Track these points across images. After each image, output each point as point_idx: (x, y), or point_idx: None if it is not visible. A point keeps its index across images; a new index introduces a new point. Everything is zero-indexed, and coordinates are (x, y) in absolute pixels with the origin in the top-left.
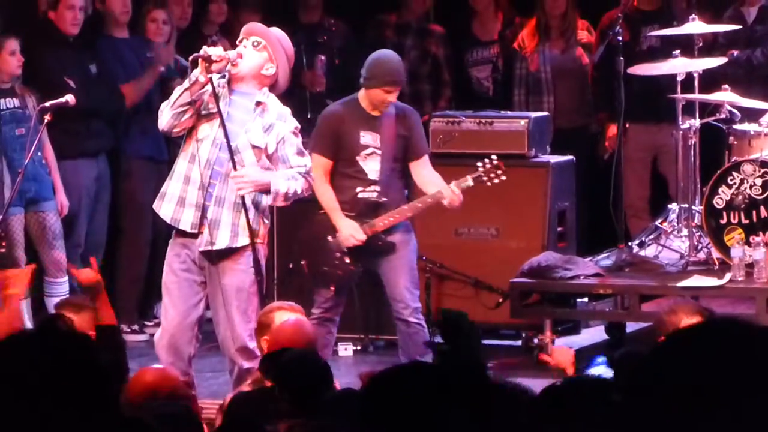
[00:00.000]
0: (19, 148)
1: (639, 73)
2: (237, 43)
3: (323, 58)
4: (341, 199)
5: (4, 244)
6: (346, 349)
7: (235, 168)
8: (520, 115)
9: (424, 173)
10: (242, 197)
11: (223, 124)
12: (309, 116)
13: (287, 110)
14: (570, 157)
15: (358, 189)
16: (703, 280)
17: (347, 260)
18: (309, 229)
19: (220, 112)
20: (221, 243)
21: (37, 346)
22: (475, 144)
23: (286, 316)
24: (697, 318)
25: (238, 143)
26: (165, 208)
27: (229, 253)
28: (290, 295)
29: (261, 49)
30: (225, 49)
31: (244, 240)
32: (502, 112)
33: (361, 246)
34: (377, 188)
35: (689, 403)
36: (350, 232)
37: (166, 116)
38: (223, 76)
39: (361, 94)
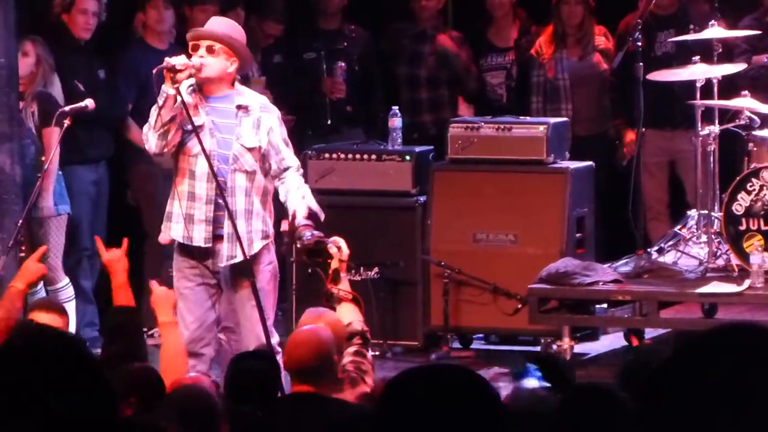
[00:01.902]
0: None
1: (658, 79)
2: (190, 52)
3: (343, 64)
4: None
5: (24, 248)
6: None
7: (215, 177)
8: (539, 121)
9: None
10: (251, 205)
11: (197, 134)
12: (329, 122)
13: (266, 99)
14: (589, 163)
15: None
16: (722, 287)
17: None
18: None
19: (192, 122)
20: (240, 255)
21: (31, 354)
22: (494, 150)
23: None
24: None
25: (234, 151)
26: (174, 229)
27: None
28: (309, 300)
29: (217, 53)
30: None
31: (258, 245)
32: (521, 117)
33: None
34: None
35: (704, 410)
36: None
37: (152, 140)
38: (194, 89)
39: None
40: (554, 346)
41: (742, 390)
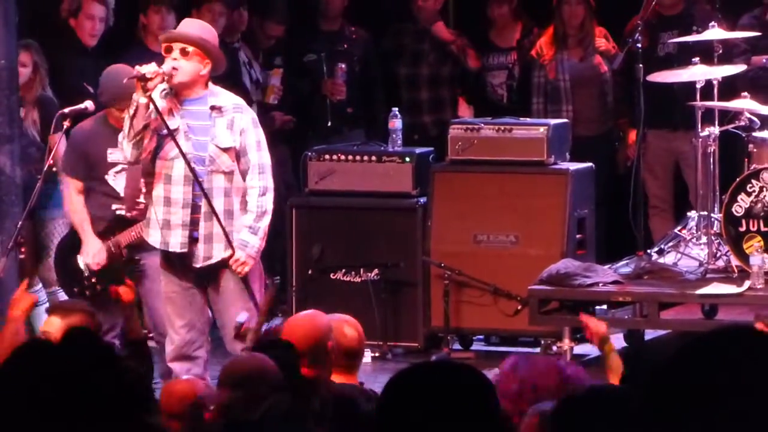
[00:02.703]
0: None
1: (659, 81)
2: (164, 54)
3: (344, 66)
4: (99, 215)
5: (23, 250)
6: (364, 356)
7: (196, 178)
8: (539, 122)
9: None
10: (231, 206)
11: (173, 138)
12: (330, 124)
13: (241, 100)
14: (589, 164)
15: (114, 207)
16: (722, 288)
17: (93, 280)
18: (59, 249)
19: (167, 128)
20: (217, 256)
21: (61, 355)
22: (494, 151)
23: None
24: None
25: (209, 152)
26: (153, 235)
27: (227, 260)
28: (308, 302)
29: (191, 56)
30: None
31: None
32: (521, 119)
33: (110, 266)
34: (126, 205)
35: (705, 411)
36: (91, 254)
37: (127, 149)
38: (168, 93)
39: (109, 111)
40: (555, 347)
41: (742, 391)
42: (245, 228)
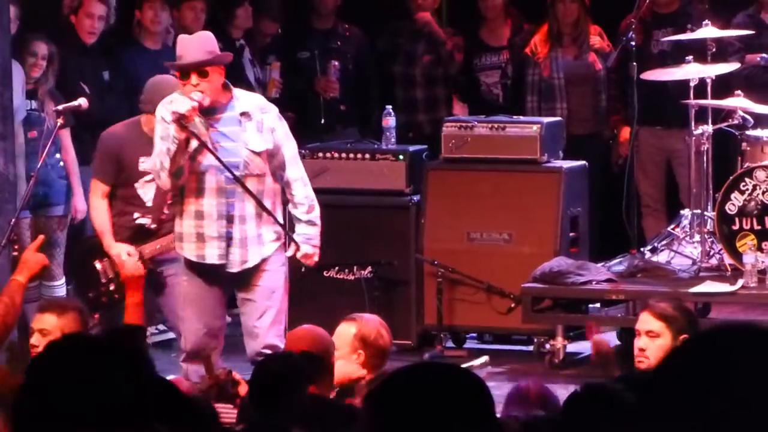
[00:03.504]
0: (30, 151)
1: (652, 78)
2: (180, 81)
3: (337, 63)
4: (118, 224)
5: (16, 247)
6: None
7: (244, 186)
8: (532, 120)
9: None
10: (260, 205)
11: (211, 150)
12: (323, 122)
13: (261, 98)
14: (582, 162)
15: (136, 215)
16: (716, 286)
17: (112, 288)
18: (77, 251)
19: (207, 146)
20: (253, 260)
21: (96, 355)
22: (488, 149)
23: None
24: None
25: (243, 157)
26: (187, 248)
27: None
28: (302, 300)
29: (210, 75)
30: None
31: (272, 246)
32: (515, 117)
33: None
34: (152, 215)
35: (699, 409)
36: (125, 252)
37: (166, 181)
38: (202, 119)
39: (143, 118)
40: (548, 345)
41: (735, 390)
42: (302, 223)
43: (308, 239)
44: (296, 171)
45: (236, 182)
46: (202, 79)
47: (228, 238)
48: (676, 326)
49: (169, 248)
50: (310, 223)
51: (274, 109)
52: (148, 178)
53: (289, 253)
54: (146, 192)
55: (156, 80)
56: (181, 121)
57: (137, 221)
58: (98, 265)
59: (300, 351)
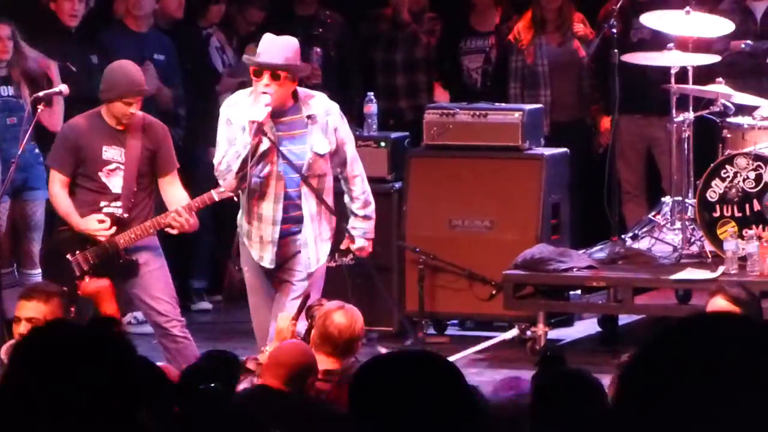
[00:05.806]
0: (9, 137)
1: (633, 62)
2: (252, 78)
3: (319, 50)
4: (86, 214)
5: None
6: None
7: (310, 186)
8: (514, 108)
9: (171, 191)
10: (325, 205)
11: (280, 154)
12: None
13: (325, 99)
14: (564, 149)
15: (102, 204)
16: (696, 273)
17: (87, 280)
18: (49, 246)
19: (280, 154)
20: (314, 263)
21: (82, 342)
22: (469, 136)
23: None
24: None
25: (307, 159)
26: (254, 247)
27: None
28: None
29: (282, 80)
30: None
31: (327, 245)
32: (496, 104)
33: (105, 266)
34: (120, 204)
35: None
36: (95, 223)
37: (231, 181)
38: (272, 125)
39: (103, 108)
40: (528, 332)
41: (716, 376)
42: (359, 218)
43: (364, 233)
44: (357, 168)
45: (298, 186)
46: (274, 81)
47: (289, 241)
48: (748, 311)
49: (143, 235)
50: (366, 218)
51: (336, 109)
52: (111, 167)
53: (343, 246)
54: (111, 181)
55: (113, 67)
56: (261, 128)
57: (105, 210)
58: (71, 259)
59: (289, 366)
